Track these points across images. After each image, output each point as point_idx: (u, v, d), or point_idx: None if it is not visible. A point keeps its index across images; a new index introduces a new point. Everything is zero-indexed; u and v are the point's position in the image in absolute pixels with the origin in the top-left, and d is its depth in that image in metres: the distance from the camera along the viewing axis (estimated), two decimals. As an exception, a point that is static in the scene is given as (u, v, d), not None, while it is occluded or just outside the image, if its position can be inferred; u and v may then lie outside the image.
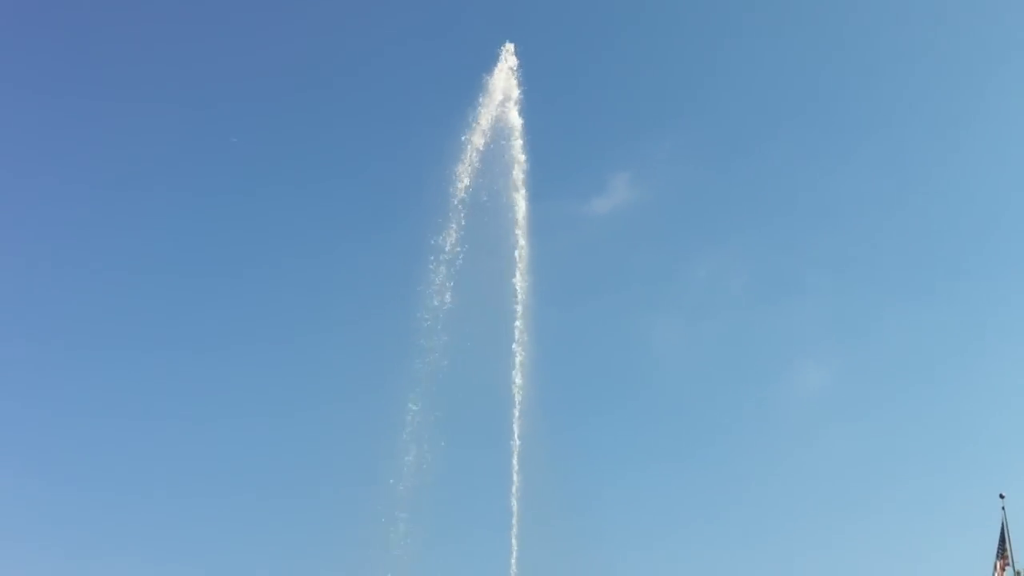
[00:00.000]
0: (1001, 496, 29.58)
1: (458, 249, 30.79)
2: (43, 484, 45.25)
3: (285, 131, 54.72)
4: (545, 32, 55.57)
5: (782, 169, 55.82)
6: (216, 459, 45.90)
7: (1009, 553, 29.62)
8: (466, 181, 30.75)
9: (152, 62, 56.00)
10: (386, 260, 36.64)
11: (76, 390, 48.82)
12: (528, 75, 31.25)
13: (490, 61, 31.48)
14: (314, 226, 51.87)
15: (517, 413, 29.73)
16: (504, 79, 31.45)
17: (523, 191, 30.59)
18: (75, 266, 52.42)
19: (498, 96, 31.18)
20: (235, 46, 56.30)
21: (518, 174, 30.73)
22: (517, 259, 30.41)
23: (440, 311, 30.36)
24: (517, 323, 30.14)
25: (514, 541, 29.03)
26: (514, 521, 29.05)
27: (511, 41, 31.63)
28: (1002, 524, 29.77)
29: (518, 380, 29.78)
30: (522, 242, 30.43)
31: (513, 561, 28.65)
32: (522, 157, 30.83)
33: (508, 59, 31.56)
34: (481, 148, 30.91)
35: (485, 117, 30.99)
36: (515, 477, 29.17)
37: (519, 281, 30.37)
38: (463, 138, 30.76)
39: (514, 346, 30.08)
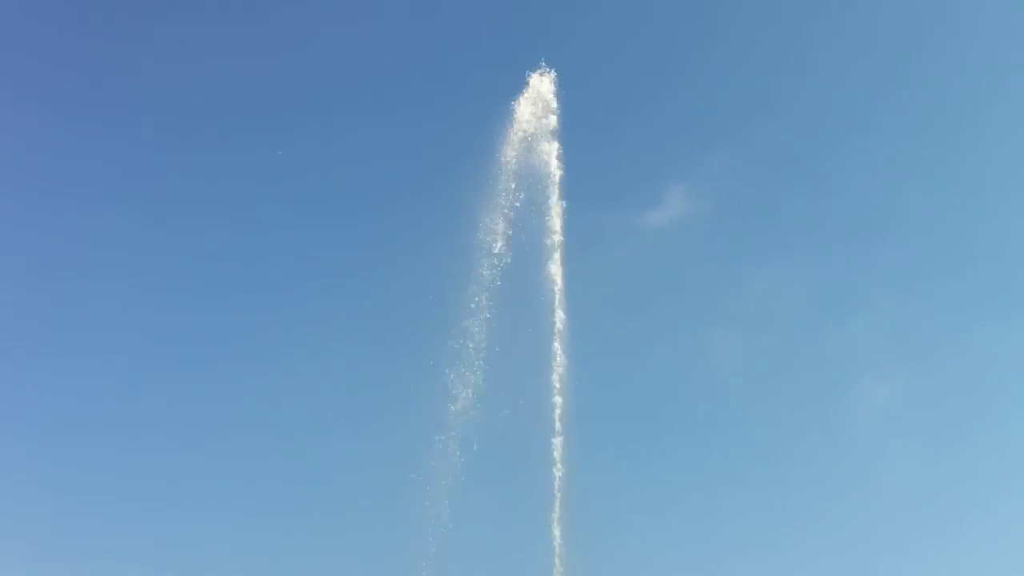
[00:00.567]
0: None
1: (499, 262, 30.48)
2: (67, 492, 45.33)
3: (315, 144, 54.66)
4: (601, 43, 54.98)
5: (842, 182, 54.47)
6: (241, 467, 45.64)
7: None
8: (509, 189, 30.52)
9: (202, 77, 56.17)
10: (426, 266, 36.00)
11: (109, 398, 48.96)
12: (580, 88, 30.94)
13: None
14: (358, 237, 51.63)
15: (558, 430, 29.12)
16: (546, 91, 31.20)
17: (558, 201, 30.31)
18: (104, 272, 52.58)
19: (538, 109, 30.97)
20: (273, 63, 56.35)
21: (552, 183, 30.42)
22: (553, 276, 29.99)
23: (480, 319, 30.00)
24: (555, 343, 29.56)
25: (558, 563, 28.26)
26: (556, 545, 28.32)
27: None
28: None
29: (558, 398, 29.22)
30: (556, 256, 30.00)
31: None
32: (556, 164, 30.60)
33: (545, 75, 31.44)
34: (515, 160, 30.68)
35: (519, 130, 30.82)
36: (556, 504, 28.47)
37: (557, 294, 29.85)
38: (498, 154, 30.66)
39: (553, 363, 29.54)
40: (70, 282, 51.85)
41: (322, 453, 43.60)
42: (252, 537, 42.28)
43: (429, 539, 28.51)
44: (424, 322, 33.60)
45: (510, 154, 31.25)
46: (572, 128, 33.07)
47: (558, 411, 29.09)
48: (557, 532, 28.35)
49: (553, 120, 31.44)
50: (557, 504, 28.49)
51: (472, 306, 30.11)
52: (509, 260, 30.67)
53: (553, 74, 31.87)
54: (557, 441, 28.88)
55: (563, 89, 31.93)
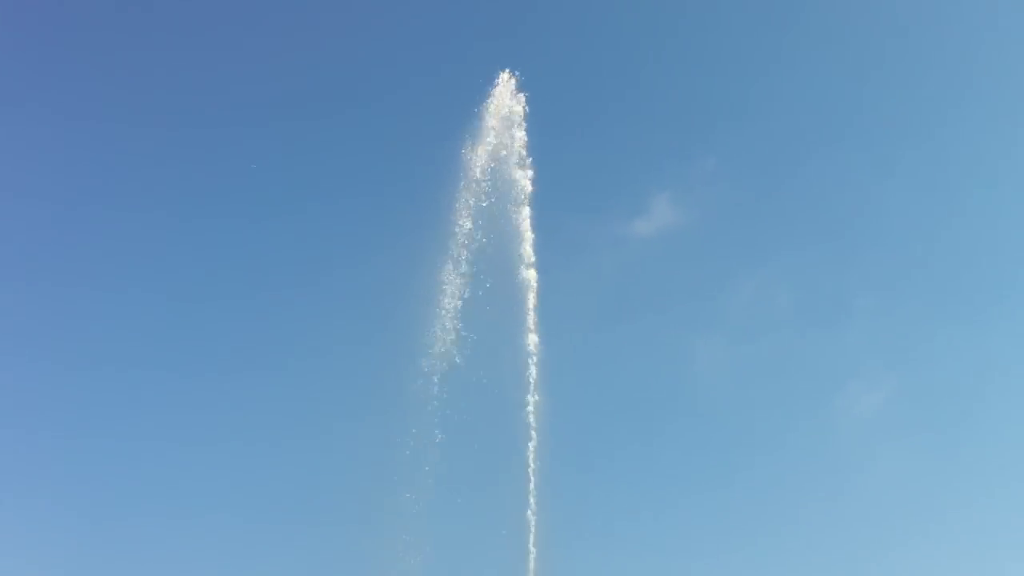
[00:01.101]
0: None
1: (474, 268, 30.60)
2: (76, 506, 45.13)
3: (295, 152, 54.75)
4: (584, 49, 55.19)
5: (827, 188, 54.45)
6: (222, 478, 45.48)
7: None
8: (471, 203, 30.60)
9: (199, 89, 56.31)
10: (400, 275, 35.97)
11: (105, 403, 48.97)
12: (560, 94, 30.87)
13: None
14: (339, 242, 51.48)
15: (533, 439, 29.11)
16: (510, 98, 31.26)
17: (526, 209, 30.36)
18: (101, 277, 52.39)
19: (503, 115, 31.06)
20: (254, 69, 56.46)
21: (520, 192, 30.51)
22: (527, 282, 30.01)
23: (456, 328, 30.07)
24: (530, 345, 29.61)
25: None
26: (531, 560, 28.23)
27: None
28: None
29: (531, 404, 29.20)
30: (530, 264, 30.05)
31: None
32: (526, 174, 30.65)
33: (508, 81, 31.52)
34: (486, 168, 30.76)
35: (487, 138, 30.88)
36: (531, 517, 28.42)
37: (531, 303, 29.90)
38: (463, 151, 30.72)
39: (530, 365, 29.59)
40: (67, 288, 51.92)
41: (303, 456, 43.49)
42: (251, 543, 42.24)
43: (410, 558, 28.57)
44: (403, 332, 33.71)
45: (484, 159, 31.35)
46: (557, 138, 32.96)
47: (531, 413, 29.09)
48: (534, 551, 28.32)
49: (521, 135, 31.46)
50: (531, 516, 28.50)
51: (447, 324, 30.21)
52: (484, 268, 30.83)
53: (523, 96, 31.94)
54: (531, 446, 28.90)
55: (543, 100, 32.11)
